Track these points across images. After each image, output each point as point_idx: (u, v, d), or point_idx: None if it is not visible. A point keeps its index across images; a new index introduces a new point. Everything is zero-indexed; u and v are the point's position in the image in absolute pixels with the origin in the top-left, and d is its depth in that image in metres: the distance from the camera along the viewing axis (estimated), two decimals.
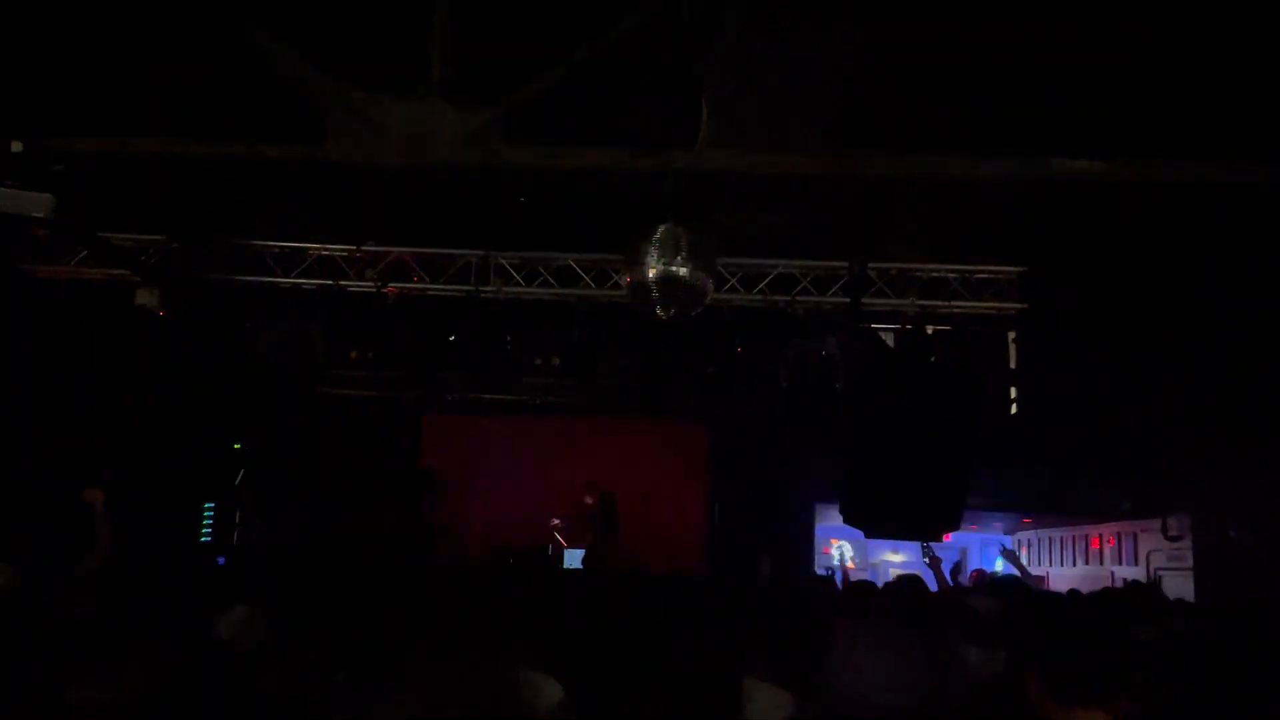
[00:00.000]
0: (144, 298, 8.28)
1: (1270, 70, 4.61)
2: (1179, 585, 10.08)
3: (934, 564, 6.47)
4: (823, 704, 1.86)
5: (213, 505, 10.95)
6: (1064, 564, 13.85)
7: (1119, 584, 11.43)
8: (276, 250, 8.68)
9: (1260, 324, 7.70)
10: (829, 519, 11.64)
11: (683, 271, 5.20)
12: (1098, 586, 11.07)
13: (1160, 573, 11.00)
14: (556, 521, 11.01)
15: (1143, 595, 5.89)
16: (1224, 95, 4.66)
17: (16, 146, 5.29)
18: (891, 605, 4.28)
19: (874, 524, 10.40)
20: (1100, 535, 12.95)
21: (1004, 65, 5.04)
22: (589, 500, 10.43)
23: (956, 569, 6.51)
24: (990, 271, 8.78)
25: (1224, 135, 4.66)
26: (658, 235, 5.25)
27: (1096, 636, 2.22)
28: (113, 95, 5.55)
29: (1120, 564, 12.31)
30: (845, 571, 9.02)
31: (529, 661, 2.71)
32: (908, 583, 4.95)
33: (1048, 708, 2.15)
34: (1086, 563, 13.33)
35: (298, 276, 8.72)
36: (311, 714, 3.11)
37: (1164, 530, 10.93)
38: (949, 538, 12.29)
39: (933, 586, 6.82)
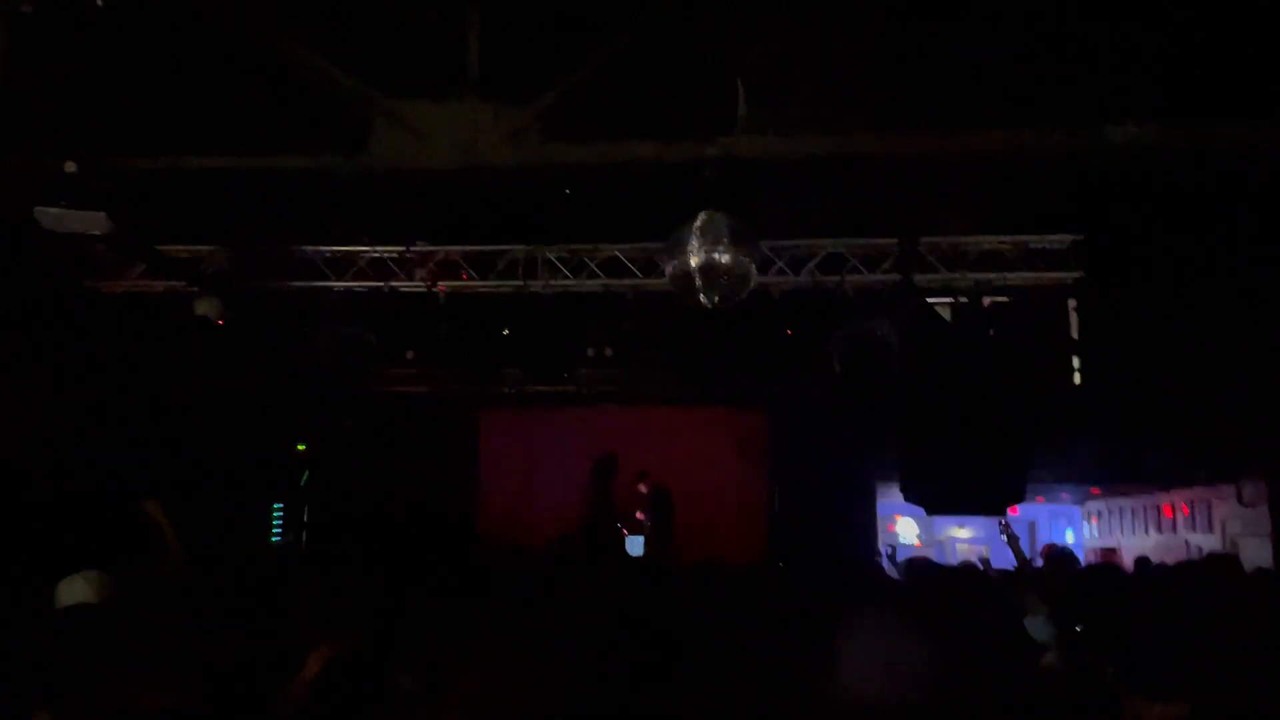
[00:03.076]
0: (203, 307, 8.48)
1: None
2: (1257, 552, 9.81)
3: (1012, 541, 6.35)
4: (824, 704, 1.83)
5: (282, 506, 11.20)
6: (1136, 533, 13.56)
7: (1195, 553, 11.16)
8: (328, 255, 8.82)
9: None
10: (892, 497, 11.53)
11: (725, 258, 5.17)
12: (1171, 556, 10.83)
13: (1237, 539, 10.71)
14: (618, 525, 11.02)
15: (1223, 568, 5.70)
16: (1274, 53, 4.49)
17: (70, 167, 5.44)
18: (896, 592, 4.22)
19: (935, 500, 10.29)
20: (1173, 503, 12.65)
21: (1051, 30, 4.91)
22: (642, 489, 10.45)
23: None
24: (1045, 241, 8.58)
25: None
26: (698, 223, 5.22)
27: (1178, 625, 2.11)
28: (160, 113, 5.67)
29: (1194, 532, 12.01)
30: (894, 553, 8.92)
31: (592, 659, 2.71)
32: (920, 566, 4.88)
33: (1126, 700, 2.04)
34: (1159, 531, 13.03)
35: (350, 280, 8.85)
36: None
37: (1239, 496, 10.64)
38: (1016, 511, 12.10)
39: (1008, 564, 6.72)
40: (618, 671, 2.56)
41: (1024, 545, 10.80)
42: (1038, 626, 3.53)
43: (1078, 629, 2.82)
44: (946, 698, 1.69)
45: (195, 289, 8.50)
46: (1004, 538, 6.40)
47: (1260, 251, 7.60)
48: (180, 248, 8.50)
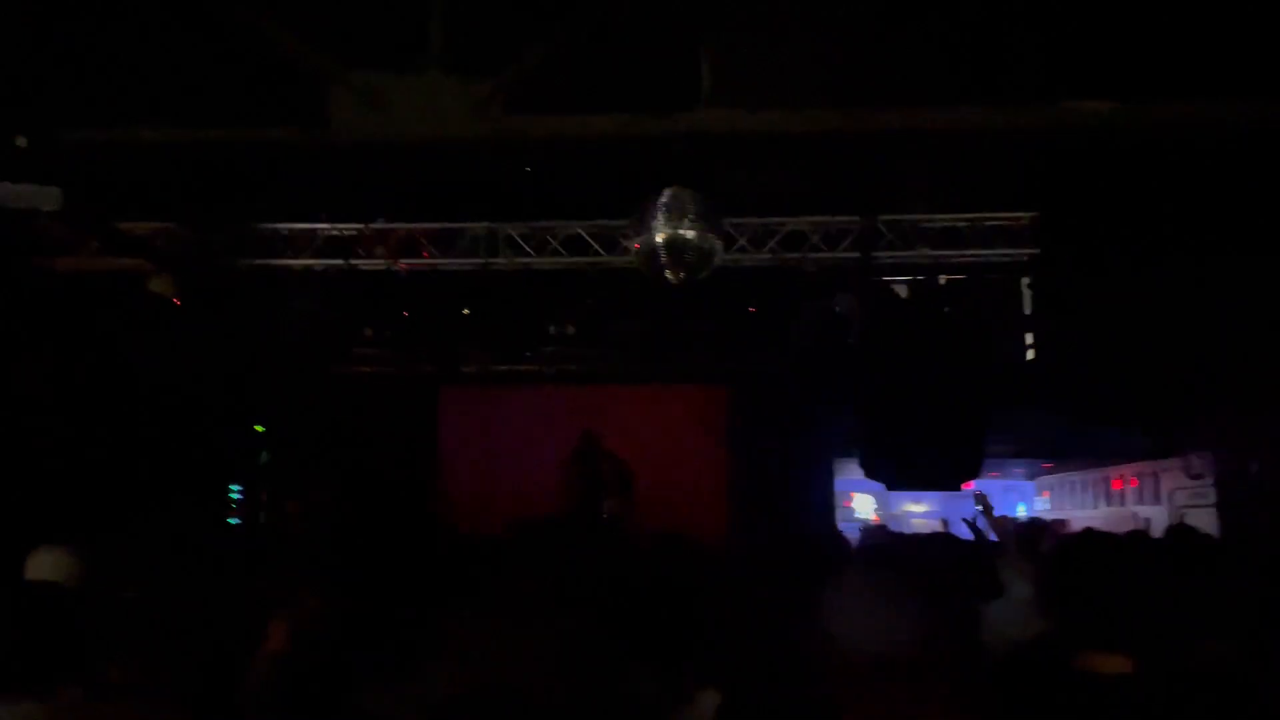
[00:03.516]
0: (158, 285, 8.35)
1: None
2: (1203, 522, 10.09)
3: (988, 512, 6.45)
4: (813, 654, 1.88)
5: (240, 488, 11.08)
6: (1085, 506, 13.89)
7: (1142, 524, 11.47)
8: (286, 232, 8.71)
9: (1276, 258, 7.64)
10: (848, 473, 11.68)
11: (690, 234, 5.19)
12: (1120, 528, 11.09)
13: (1184, 511, 11.02)
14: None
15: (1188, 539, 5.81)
16: (1234, 30, 4.60)
17: (21, 141, 5.31)
18: (881, 556, 4.31)
19: (894, 476, 10.47)
20: (1122, 476, 12.96)
21: (1014, 7, 4.98)
22: (602, 468, 10.49)
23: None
24: (1001, 219, 8.72)
25: (1238, 71, 4.59)
26: (664, 199, 5.24)
27: (1120, 581, 2.21)
28: (114, 85, 5.55)
29: (1142, 504, 12.32)
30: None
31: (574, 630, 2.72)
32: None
33: (1080, 654, 2.15)
34: (1108, 504, 13.35)
35: (308, 257, 8.75)
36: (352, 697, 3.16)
37: (1186, 468, 10.92)
38: (971, 485, 12.32)
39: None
40: (610, 641, 2.58)
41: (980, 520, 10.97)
42: (1006, 569, 3.64)
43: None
44: (933, 648, 1.75)
45: (151, 266, 8.36)
46: (979, 508, 6.50)
47: (1208, 231, 7.79)
48: (136, 224, 8.34)
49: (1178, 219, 7.78)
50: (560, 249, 8.80)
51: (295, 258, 8.74)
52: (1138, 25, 4.73)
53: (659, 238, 5.21)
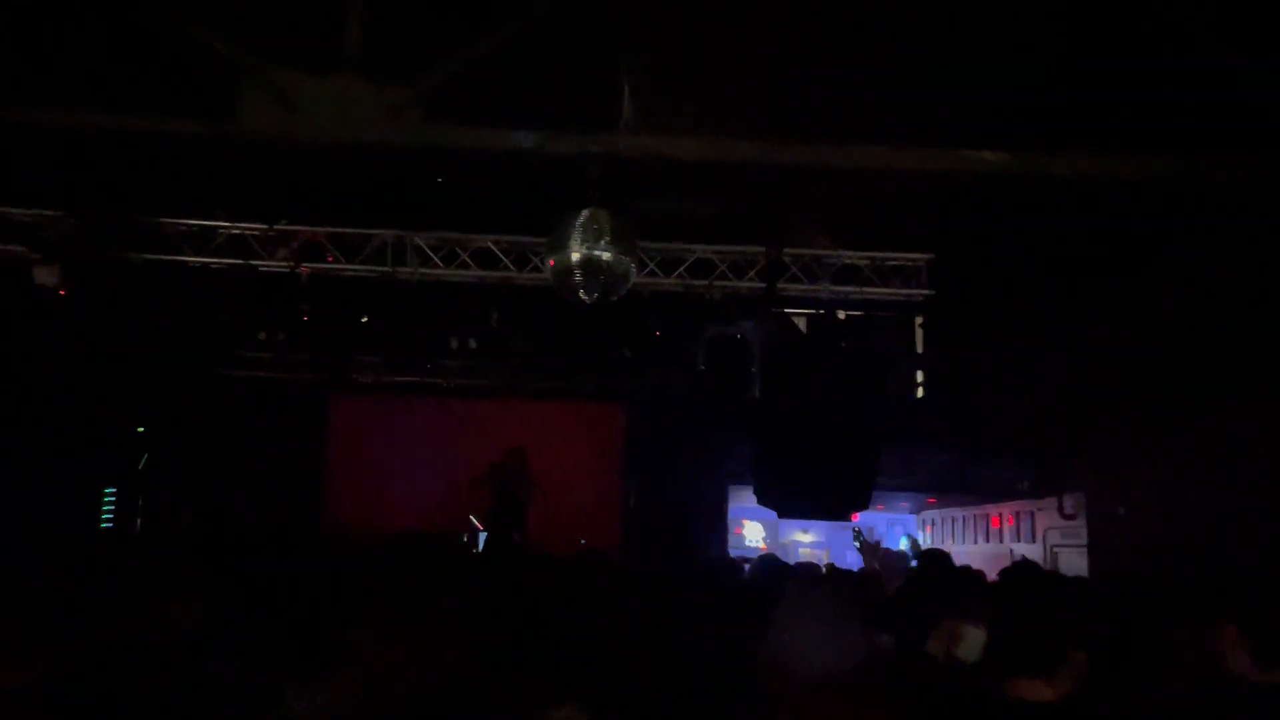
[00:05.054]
0: (42, 275, 7.99)
1: (1163, 66, 4.84)
2: (1074, 561, 10.53)
3: (865, 549, 6.68)
4: (762, 673, 1.90)
5: (114, 491, 10.61)
6: (966, 542, 14.32)
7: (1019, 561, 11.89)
8: (185, 229, 8.43)
9: (1149, 313, 8.07)
10: (743, 500, 11.83)
11: (606, 255, 5.23)
12: (997, 564, 11.50)
13: (1057, 549, 11.46)
14: (473, 518, 10.94)
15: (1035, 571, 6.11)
16: (1123, 90, 4.89)
17: None
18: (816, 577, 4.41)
19: (786, 504, 10.66)
20: (1000, 514, 13.40)
21: (920, 55, 5.18)
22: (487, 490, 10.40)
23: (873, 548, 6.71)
24: (900, 259, 9.02)
25: (1126, 127, 4.88)
26: (581, 219, 5.26)
27: (1042, 609, 2.27)
28: (7, 61, 5.32)
29: (1019, 542, 12.77)
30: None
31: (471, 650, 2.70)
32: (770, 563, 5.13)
33: (1008, 681, 2.20)
34: (987, 541, 13.79)
35: (207, 256, 8.48)
36: (239, 706, 3.06)
37: (1060, 509, 11.36)
38: (857, 517, 12.61)
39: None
40: (484, 659, 2.56)
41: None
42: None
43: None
44: (869, 672, 1.79)
45: (36, 255, 7.99)
46: (857, 545, 6.72)
47: (1091, 282, 8.20)
48: (22, 210, 7.97)
49: (1062, 268, 8.17)
50: (469, 261, 8.74)
51: (194, 254, 8.46)
52: (1033, 83, 5.00)
53: (575, 257, 5.23)
